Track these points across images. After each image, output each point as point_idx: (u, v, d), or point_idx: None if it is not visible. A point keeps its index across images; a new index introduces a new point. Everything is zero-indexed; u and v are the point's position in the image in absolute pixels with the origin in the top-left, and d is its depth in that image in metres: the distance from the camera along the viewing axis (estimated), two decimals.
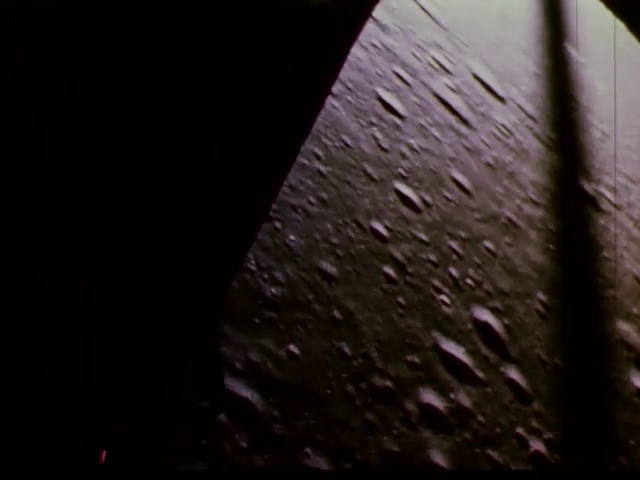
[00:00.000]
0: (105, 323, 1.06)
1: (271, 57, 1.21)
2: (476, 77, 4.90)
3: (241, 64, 1.19)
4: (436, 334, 2.22)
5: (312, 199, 2.23)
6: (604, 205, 4.80)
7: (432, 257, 2.53)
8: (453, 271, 2.57)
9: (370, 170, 2.66)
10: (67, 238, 1.03)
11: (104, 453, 1.04)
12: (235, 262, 1.19)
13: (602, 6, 7.36)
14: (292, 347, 1.73)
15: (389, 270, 2.27)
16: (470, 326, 2.40)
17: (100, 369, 1.06)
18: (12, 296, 0.98)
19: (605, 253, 4.01)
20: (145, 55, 1.11)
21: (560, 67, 5.78)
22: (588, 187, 4.77)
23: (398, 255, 2.37)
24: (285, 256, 1.93)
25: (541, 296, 2.99)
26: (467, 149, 3.72)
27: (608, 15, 7.40)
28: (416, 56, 4.35)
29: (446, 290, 2.45)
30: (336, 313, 1.93)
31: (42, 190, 1.01)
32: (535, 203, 3.88)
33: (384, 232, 2.41)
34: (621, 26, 7.41)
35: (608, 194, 4.97)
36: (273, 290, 1.81)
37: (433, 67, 4.43)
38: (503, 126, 4.47)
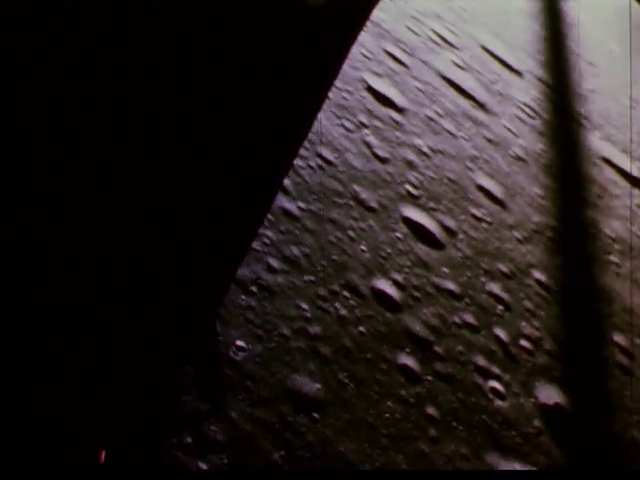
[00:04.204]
0: (105, 323, 1.05)
1: (268, 59, 1.18)
2: (485, 49, 4.06)
3: (238, 64, 1.16)
4: (492, 457, 1.38)
5: (274, 262, 1.39)
6: None
7: (468, 317, 1.70)
8: (500, 333, 1.74)
9: (364, 195, 1.82)
10: (67, 238, 1.03)
11: (104, 453, 1.01)
12: (234, 262, 1.17)
13: None
14: None
15: (408, 360, 1.44)
16: (538, 423, 1.57)
17: (100, 369, 1.03)
18: (12, 296, 0.98)
19: None
20: (143, 54, 1.08)
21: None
22: (632, 167, 3.98)
23: (418, 328, 1.53)
24: (229, 384, 1.10)
25: (619, 339, 2.16)
26: (490, 141, 2.87)
27: None
28: (412, 30, 3.49)
29: (495, 369, 1.61)
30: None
31: (42, 190, 1.02)
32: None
33: (394, 294, 1.57)
34: None
35: None
36: (202, 465, 0.98)
37: (434, 41, 3.57)
38: (526, 105, 3.63)
